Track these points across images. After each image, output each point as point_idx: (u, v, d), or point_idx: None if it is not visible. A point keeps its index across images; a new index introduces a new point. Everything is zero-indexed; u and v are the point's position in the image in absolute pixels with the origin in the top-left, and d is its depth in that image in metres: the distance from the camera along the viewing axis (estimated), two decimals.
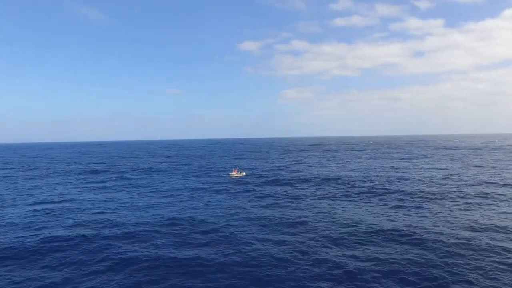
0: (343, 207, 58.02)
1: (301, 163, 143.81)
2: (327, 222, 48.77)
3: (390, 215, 51.69)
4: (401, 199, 62.99)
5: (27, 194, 76.90)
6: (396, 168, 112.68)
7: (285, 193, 73.25)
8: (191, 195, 71.64)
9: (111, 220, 49.97)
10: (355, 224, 46.41)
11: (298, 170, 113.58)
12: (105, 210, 58.04)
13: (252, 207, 60.11)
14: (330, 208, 57.82)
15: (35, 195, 75.93)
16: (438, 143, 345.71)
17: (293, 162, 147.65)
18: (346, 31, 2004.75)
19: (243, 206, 60.34)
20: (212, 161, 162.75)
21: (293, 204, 62.25)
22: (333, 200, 64.90)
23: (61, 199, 69.92)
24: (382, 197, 65.79)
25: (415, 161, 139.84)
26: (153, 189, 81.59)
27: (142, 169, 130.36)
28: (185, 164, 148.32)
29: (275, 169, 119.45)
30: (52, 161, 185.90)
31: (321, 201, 64.32)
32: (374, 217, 50.78)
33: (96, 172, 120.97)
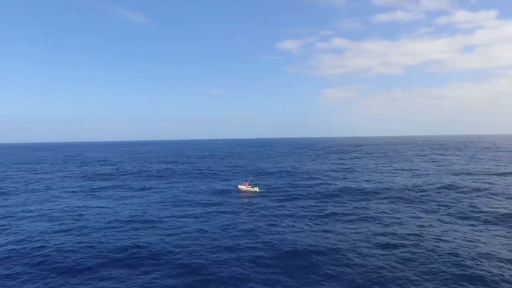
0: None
1: (346, 168, 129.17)
2: None
3: None
4: None
5: None
6: (476, 175, 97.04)
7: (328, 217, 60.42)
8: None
9: None
10: None
11: (344, 178, 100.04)
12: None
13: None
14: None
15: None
16: (495, 143, 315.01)
17: (335, 167, 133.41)
18: (388, 27, 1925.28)
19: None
20: (238, 164, 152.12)
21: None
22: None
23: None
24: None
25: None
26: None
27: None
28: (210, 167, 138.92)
29: (308, 177, 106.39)
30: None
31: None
32: None
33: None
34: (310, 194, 74.76)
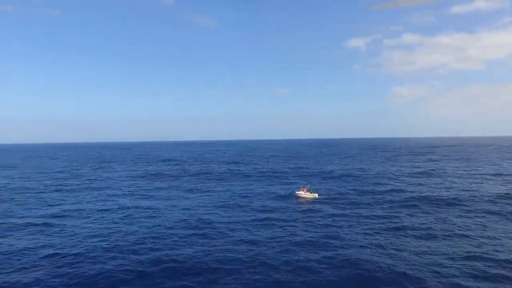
0: None
1: (420, 172, 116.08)
2: None
3: None
4: None
5: None
6: None
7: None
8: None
9: None
10: None
11: (418, 184, 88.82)
12: None
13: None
14: None
15: None
16: None
17: (408, 171, 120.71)
18: (466, 18, 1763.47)
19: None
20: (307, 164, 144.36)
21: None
22: None
23: None
24: None
25: None
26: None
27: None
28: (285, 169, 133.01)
29: (377, 183, 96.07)
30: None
31: None
32: None
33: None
34: (378, 202, 65.85)
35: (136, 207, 63.10)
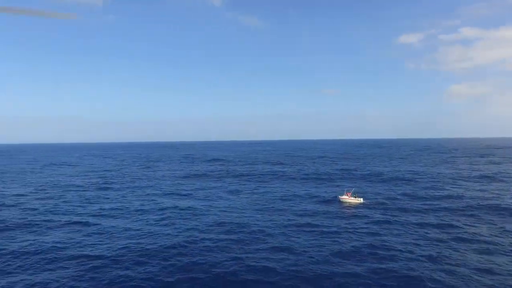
0: None
1: (481, 176, 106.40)
2: None
3: None
4: None
5: None
6: None
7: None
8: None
9: None
10: None
11: (479, 190, 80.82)
12: None
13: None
14: None
15: None
16: None
17: (467, 174, 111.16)
18: None
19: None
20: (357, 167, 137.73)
21: None
22: None
23: None
24: None
25: None
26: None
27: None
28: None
29: (431, 186, 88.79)
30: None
31: None
32: None
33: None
34: (432, 208, 59.84)
35: (174, 208, 62.08)
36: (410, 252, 39.02)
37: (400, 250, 39.64)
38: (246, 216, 55.82)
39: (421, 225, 49.93)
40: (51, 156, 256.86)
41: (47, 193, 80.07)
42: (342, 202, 66.10)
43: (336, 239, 44.25)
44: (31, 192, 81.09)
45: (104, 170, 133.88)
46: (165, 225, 50.87)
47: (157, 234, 46.15)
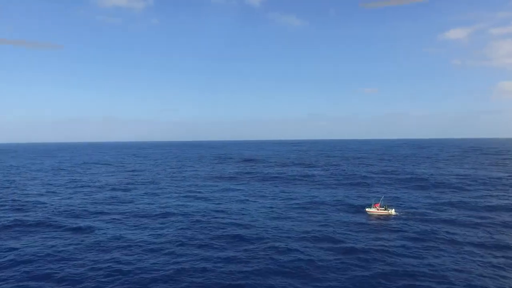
0: None
1: None
2: None
3: None
4: None
5: None
6: None
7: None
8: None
9: None
10: None
11: None
12: None
13: None
14: None
15: None
16: None
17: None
18: None
19: None
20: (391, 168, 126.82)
21: None
22: None
23: None
24: None
25: None
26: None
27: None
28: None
29: (482, 195, 78.00)
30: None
31: None
32: None
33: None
34: (485, 222, 50.40)
35: (184, 209, 56.59)
36: (463, 281, 30.87)
37: (447, 279, 31.51)
38: (255, 226, 49.25)
39: (474, 244, 41.13)
40: (92, 154, 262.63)
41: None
42: (370, 215, 56.74)
43: (363, 260, 36.59)
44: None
45: (132, 170, 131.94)
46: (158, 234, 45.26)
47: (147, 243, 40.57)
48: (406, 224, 50.07)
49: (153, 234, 46.29)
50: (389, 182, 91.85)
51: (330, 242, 42.50)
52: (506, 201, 64.66)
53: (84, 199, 71.70)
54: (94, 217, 56.40)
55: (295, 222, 51.85)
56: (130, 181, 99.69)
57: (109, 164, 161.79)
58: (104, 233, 46.67)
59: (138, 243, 42.57)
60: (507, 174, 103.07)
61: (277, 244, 41.11)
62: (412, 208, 60.17)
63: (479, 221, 51.23)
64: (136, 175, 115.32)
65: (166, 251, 39.76)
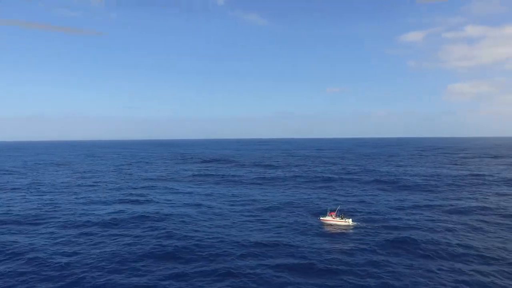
0: None
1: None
2: None
3: None
4: None
5: None
6: None
7: None
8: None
9: None
10: None
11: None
12: None
13: None
14: None
15: None
16: None
17: (492, 179, 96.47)
18: None
19: None
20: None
21: None
22: None
23: None
24: None
25: None
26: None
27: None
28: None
29: (453, 197, 74.33)
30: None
31: None
32: None
33: None
34: (459, 227, 45.33)
35: (116, 215, 47.97)
36: None
37: None
38: (198, 239, 41.47)
39: (455, 256, 35.54)
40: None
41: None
42: (324, 224, 49.06)
43: (319, 277, 29.87)
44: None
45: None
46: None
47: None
48: (366, 234, 43.77)
49: (62, 253, 37.46)
50: (352, 183, 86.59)
51: (273, 256, 35.50)
52: (473, 203, 60.61)
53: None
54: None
55: (241, 233, 44.48)
56: (65, 180, 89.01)
57: (56, 165, 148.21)
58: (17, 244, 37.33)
59: (39, 262, 33.87)
60: (467, 172, 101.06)
61: (212, 266, 33.57)
62: (375, 214, 54.31)
63: (449, 225, 46.12)
64: (77, 176, 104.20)
65: (68, 280, 31.30)
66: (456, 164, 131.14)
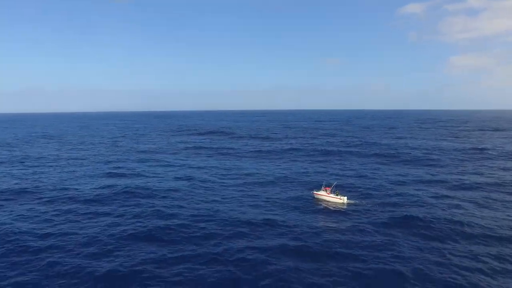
0: None
1: None
2: None
3: None
4: None
5: None
6: None
7: None
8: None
9: None
10: None
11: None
12: None
13: None
14: None
15: None
16: None
17: (497, 153, 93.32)
18: None
19: None
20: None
21: None
22: None
23: None
24: None
25: None
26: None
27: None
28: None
29: (456, 173, 71.10)
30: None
31: None
32: None
33: None
34: (466, 204, 42.36)
35: (98, 190, 44.83)
36: None
37: None
38: (184, 216, 38.47)
39: (462, 240, 32.54)
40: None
41: None
42: (317, 199, 45.92)
43: (315, 261, 26.99)
44: None
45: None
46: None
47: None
48: (362, 214, 40.58)
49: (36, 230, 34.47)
50: (351, 157, 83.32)
51: (267, 237, 32.54)
52: (478, 178, 57.63)
53: None
54: None
55: (231, 210, 41.36)
56: (53, 153, 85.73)
57: (48, 137, 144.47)
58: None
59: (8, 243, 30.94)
60: (470, 146, 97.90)
61: (197, 250, 30.59)
62: (375, 189, 51.12)
63: (455, 202, 43.19)
64: (67, 149, 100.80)
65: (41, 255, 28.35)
66: (457, 137, 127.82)
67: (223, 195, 48.26)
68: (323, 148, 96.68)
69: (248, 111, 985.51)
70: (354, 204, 43.79)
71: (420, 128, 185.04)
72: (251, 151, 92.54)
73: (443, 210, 40.80)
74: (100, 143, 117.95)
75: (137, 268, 27.00)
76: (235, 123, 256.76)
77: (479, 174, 60.97)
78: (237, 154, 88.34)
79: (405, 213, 39.01)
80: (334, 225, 36.72)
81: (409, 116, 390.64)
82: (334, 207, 43.05)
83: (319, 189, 47.46)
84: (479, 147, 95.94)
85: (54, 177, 60.91)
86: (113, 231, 34.42)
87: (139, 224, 36.46)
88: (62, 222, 37.68)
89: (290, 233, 33.99)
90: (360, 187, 51.92)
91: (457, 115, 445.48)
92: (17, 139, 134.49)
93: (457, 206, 42.16)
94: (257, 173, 63.12)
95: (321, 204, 44.37)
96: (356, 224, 36.70)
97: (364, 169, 67.23)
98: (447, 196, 46.63)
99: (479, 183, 53.59)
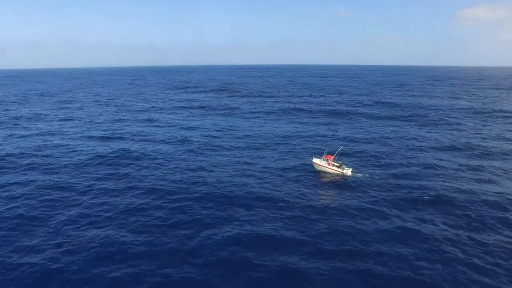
0: None
1: None
2: None
3: None
4: None
5: None
6: None
7: None
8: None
9: None
10: None
11: None
12: None
13: None
14: None
15: None
16: None
17: None
18: None
19: None
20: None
21: None
22: None
23: None
24: None
25: None
26: None
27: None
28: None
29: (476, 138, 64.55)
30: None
31: None
32: None
33: None
34: (497, 179, 36.59)
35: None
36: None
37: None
38: (177, 181, 33.29)
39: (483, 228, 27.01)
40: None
41: None
42: (317, 168, 39.77)
43: (315, 256, 21.74)
44: None
45: None
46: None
47: None
48: (368, 188, 34.87)
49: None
50: (359, 118, 76.80)
51: (261, 218, 27.17)
52: (506, 144, 51.39)
53: None
54: None
55: (222, 180, 35.96)
56: (44, 112, 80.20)
57: (41, 95, 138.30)
58: None
59: None
60: (489, 107, 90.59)
61: (178, 239, 25.37)
62: (386, 157, 45.36)
63: (485, 176, 37.37)
64: (57, 107, 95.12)
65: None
66: (473, 95, 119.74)
67: (216, 161, 42.85)
68: (330, 108, 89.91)
69: (253, 66, 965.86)
70: (362, 178, 37.76)
71: (432, 85, 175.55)
72: (252, 111, 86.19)
73: (472, 185, 35.02)
74: (95, 101, 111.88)
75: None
76: (238, 78, 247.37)
77: (506, 140, 54.62)
78: (238, 114, 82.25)
79: (425, 192, 33.25)
80: (338, 201, 31.21)
81: (419, 72, 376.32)
82: (337, 181, 37.20)
83: (320, 156, 40.86)
84: (499, 108, 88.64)
85: (39, 139, 55.70)
86: (93, 211, 29.34)
87: (126, 199, 31.29)
88: (39, 196, 32.62)
89: (287, 209, 28.95)
90: (370, 155, 46.10)
91: (468, 72, 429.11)
92: (9, 94, 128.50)
93: (490, 181, 36.24)
94: (256, 135, 57.68)
95: (324, 176, 38.61)
96: (363, 205, 30.79)
97: (374, 132, 61.11)
98: (474, 168, 40.66)
99: (508, 151, 47.47)
